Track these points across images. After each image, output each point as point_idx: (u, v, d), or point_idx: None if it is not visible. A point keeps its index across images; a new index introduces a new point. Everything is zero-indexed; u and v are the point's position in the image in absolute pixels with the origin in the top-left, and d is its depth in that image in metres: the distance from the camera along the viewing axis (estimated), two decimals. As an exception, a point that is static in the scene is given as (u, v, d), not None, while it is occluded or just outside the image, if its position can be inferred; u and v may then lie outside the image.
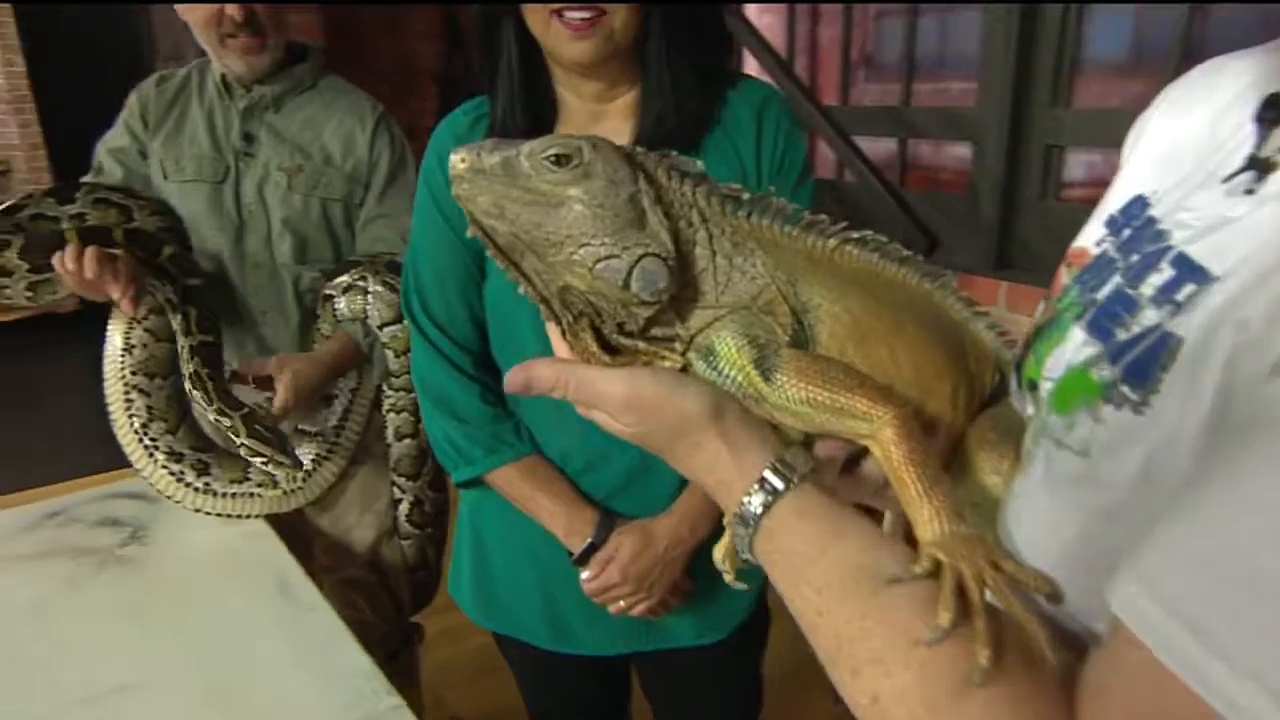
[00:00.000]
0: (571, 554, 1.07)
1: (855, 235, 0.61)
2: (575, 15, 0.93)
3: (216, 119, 1.45)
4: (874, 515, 0.59)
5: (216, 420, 1.36)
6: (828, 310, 0.57)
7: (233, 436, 1.36)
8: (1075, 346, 0.48)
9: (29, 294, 1.32)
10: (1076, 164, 2.12)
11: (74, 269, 1.24)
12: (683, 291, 0.56)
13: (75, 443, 1.46)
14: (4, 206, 1.38)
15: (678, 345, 0.56)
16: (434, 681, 2.12)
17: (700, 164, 0.57)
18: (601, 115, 1.05)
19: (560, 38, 0.95)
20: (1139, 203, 0.51)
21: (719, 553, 0.63)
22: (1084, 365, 0.46)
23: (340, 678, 1.11)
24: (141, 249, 1.32)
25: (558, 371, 0.55)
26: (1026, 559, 0.47)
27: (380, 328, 1.48)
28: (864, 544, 0.48)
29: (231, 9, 1.32)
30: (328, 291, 1.49)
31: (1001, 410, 0.62)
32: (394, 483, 1.60)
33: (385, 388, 1.55)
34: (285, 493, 1.47)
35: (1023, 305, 2.14)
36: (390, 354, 1.50)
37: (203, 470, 1.42)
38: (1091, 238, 0.53)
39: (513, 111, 1.03)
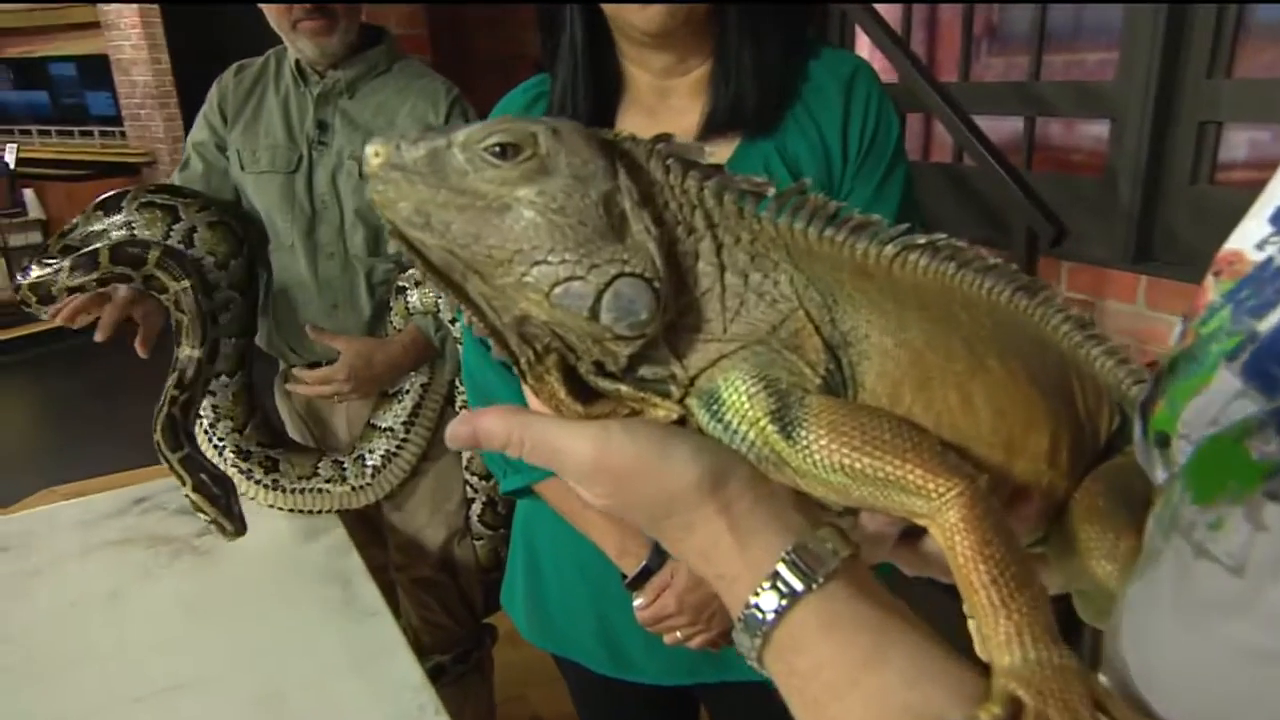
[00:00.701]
0: (624, 576, 0.98)
1: (921, 240, 0.46)
2: None
3: (291, 107, 1.43)
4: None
5: (156, 448, 1.27)
6: (877, 342, 0.43)
7: (178, 482, 1.26)
8: (1224, 397, 0.33)
9: (48, 317, 1.32)
10: (1238, 143, 1.87)
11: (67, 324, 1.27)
12: (681, 319, 0.43)
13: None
14: (62, 230, 1.39)
15: (673, 389, 0.43)
16: (516, 680, 2.09)
17: (709, 150, 0.45)
18: (669, 92, 0.95)
19: (631, 4, 0.86)
20: None
21: None
22: (1237, 432, 0.31)
23: (390, 689, 1.07)
24: (126, 264, 1.27)
25: (510, 425, 0.42)
26: (1150, 703, 0.33)
27: (452, 321, 1.43)
28: (911, 671, 0.35)
29: None
30: (400, 283, 1.45)
31: (1120, 467, 0.47)
32: (466, 482, 1.56)
33: (458, 383, 1.51)
34: (353, 489, 1.44)
35: (1165, 303, 1.91)
36: (463, 348, 1.45)
37: (271, 467, 1.41)
38: (1250, 238, 0.38)
39: (574, 88, 0.94)
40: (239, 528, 1.25)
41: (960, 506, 0.38)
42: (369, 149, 0.40)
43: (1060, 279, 2.11)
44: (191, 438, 1.28)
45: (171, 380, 1.28)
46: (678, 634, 0.98)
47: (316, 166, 1.41)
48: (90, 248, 1.29)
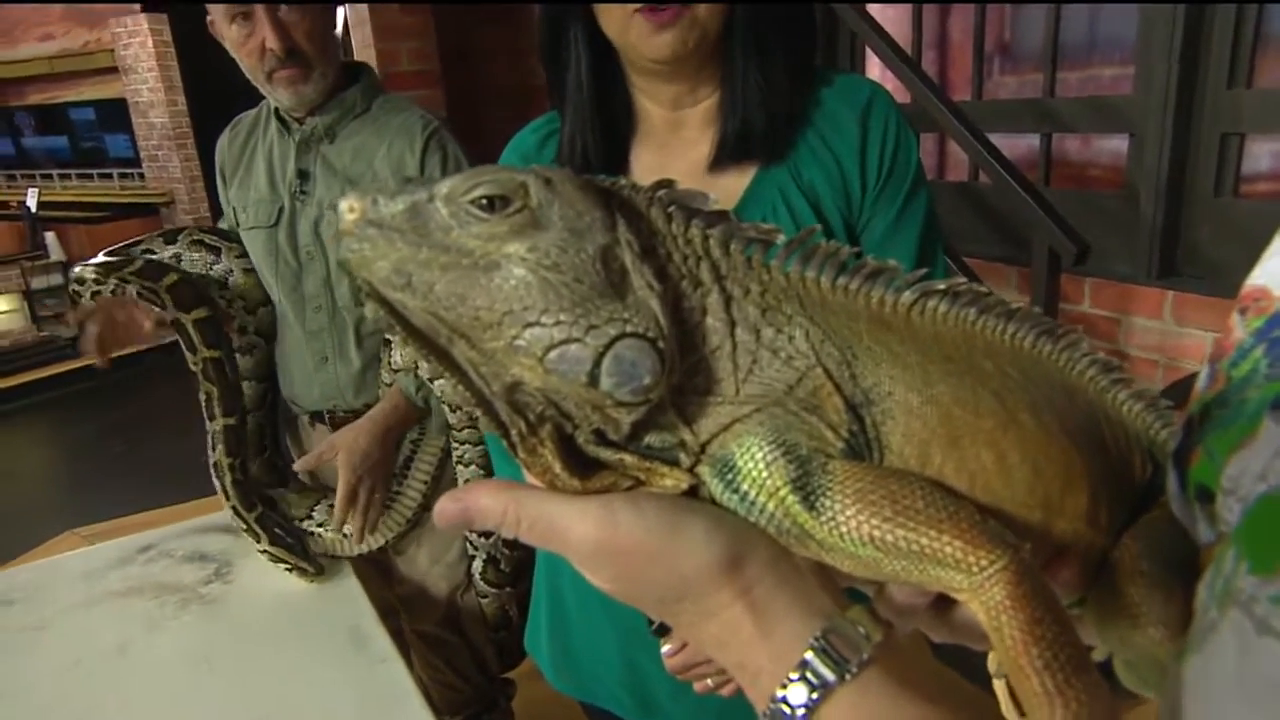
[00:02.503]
0: (651, 622, 0.94)
1: (940, 285, 0.42)
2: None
3: (275, 158, 1.40)
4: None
5: (233, 517, 1.36)
6: (902, 399, 0.40)
7: (253, 541, 1.35)
8: (1272, 450, 0.30)
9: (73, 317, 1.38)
10: (1261, 154, 1.82)
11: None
12: (688, 380, 0.39)
13: (194, 468, 1.51)
14: (127, 242, 1.43)
15: (683, 457, 0.39)
16: (542, 715, 2.04)
17: (715, 197, 0.40)
18: (680, 123, 0.93)
19: (642, 33, 0.84)
20: None
21: None
22: None
23: (402, 739, 1.03)
24: (174, 301, 1.32)
25: (505, 502, 0.38)
26: None
27: (431, 380, 1.36)
28: None
29: (271, 43, 1.26)
30: (388, 336, 1.41)
31: (1159, 522, 0.42)
32: (466, 538, 1.51)
33: (452, 439, 1.45)
34: (345, 535, 1.41)
35: (1192, 317, 1.86)
36: (446, 407, 1.39)
37: (267, 506, 1.40)
38: (1277, 274, 0.35)
39: (584, 125, 0.92)
40: (317, 568, 1.36)
41: (1005, 582, 0.34)
42: (342, 204, 0.37)
43: (1084, 296, 2.07)
44: (264, 497, 1.39)
45: (219, 451, 1.36)
46: (708, 681, 0.93)
47: (299, 217, 1.38)
48: (165, 263, 1.37)
